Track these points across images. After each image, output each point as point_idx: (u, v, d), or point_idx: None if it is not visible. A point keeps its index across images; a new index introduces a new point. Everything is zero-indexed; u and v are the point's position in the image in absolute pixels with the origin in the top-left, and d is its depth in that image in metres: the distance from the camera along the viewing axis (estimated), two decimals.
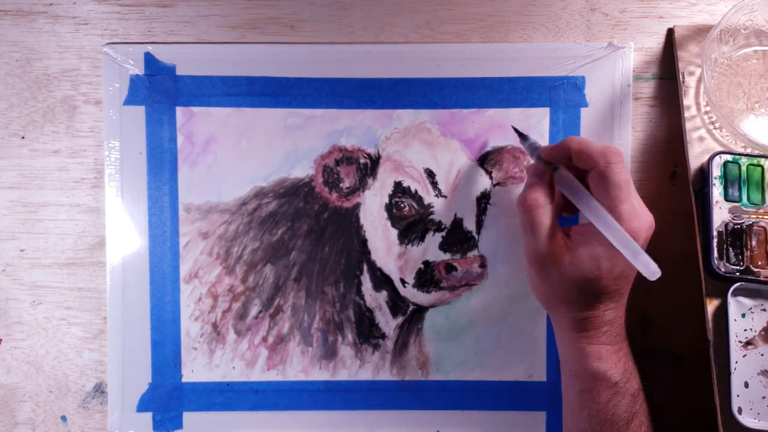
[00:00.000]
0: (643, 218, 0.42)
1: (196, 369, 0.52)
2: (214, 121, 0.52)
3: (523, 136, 0.49)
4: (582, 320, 0.44)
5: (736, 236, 0.48)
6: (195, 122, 0.52)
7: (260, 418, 0.53)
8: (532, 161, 0.49)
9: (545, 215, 0.43)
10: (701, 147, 0.50)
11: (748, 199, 0.48)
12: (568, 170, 0.45)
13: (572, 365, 0.45)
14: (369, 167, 0.52)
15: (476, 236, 0.52)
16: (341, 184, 0.52)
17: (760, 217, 0.48)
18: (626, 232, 0.40)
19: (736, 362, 0.47)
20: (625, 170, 0.42)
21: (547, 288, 0.44)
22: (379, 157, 0.52)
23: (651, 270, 0.39)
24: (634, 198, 0.42)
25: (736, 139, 0.50)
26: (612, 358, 0.44)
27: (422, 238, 0.52)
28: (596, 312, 0.43)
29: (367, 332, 0.52)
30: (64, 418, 0.53)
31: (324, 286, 0.52)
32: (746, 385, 0.47)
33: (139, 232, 0.52)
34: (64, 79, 0.53)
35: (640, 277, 0.52)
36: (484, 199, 0.52)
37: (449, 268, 0.52)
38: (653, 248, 0.52)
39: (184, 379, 0.52)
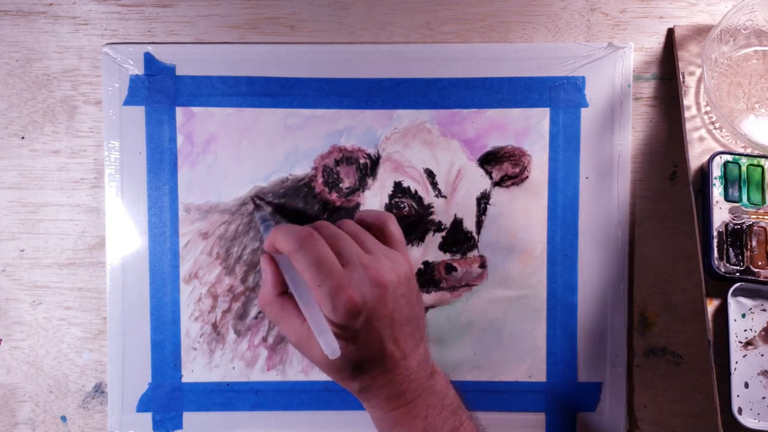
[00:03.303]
0: (350, 290, 0.38)
1: (196, 369, 0.52)
2: (214, 121, 0.52)
3: (257, 206, 0.50)
4: (361, 392, 0.42)
5: (736, 236, 0.48)
6: (195, 122, 0.52)
7: (260, 418, 0.53)
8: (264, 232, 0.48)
9: (273, 310, 0.41)
10: (701, 147, 0.50)
11: (748, 199, 0.48)
12: (268, 214, 0.45)
13: None
14: (369, 167, 0.52)
15: (476, 236, 0.52)
16: (341, 184, 0.52)
17: (760, 217, 0.48)
18: (338, 307, 0.38)
19: (736, 362, 0.47)
20: (308, 256, 0.39)
21: (319, 367, 0.42)
22: (379, 157, 0.52)
23: (331, 349, 0.38)
24: (327, 280, 0.39)
25: (736, 139, 0.50)
26: (404, 420, 0.41)
27: (422, 239, 0.52)
28: (366, 382, 0.41)
29: None
30: (64, 418, 0.53)
31: None
32: (746, 385, 0.47)
33: (139, 232, 0.52)
34: (64, 79, 0.53)
35: (636, 281, 0.52)
36: (484, 199, 0.52)
37: (449, 268, 0.52)
38: (654, 248, 0.52)
39: (184, 379, 0.52)
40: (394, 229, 0.44)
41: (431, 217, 0.52)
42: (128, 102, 0.52)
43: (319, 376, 0.52)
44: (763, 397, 0.47)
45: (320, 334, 0.38)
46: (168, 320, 0.52)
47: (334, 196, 0.52)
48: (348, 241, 0.41)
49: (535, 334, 0.52)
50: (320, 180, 0.52)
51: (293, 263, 0.40)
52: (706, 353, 0.48)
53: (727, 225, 0.48)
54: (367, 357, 0.40)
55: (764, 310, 0.48)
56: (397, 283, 0.41)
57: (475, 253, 0.52)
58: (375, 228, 0.44)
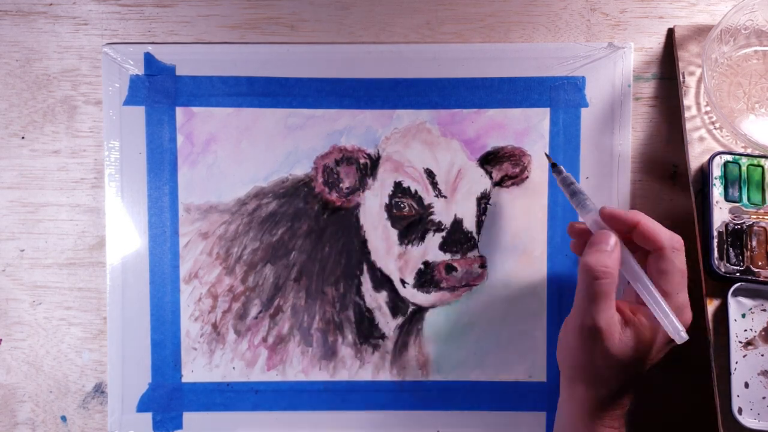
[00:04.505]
0: (686, 314, 0.42)
1: (196, 369, 0.52)
2: (214, 121, 0.52)
3: (556, 168, 0.47)
4: (603, 400, 0.42)
5: (737, 236, 0.48)
6: (195, 122, 0.52)
7: (260, 418, 0.53)
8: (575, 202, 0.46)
9: (612, 285, 0.41)
10: (701, 147, 0.50)
11: (749, 199, 0.48)
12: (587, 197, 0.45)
13: None
14: (369, 167, 0.52)
15: (476, 236, 0.52)
16: (341, 185, 0.52)
17: (761, 217, 0.48)
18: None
19: (736, 362, 0.47)
20: (684, 261, 0.42)
21: (584, 359, 0.42)
22: (379, 157, 0.52)
23: (679, 331, 0.40)
24: (685, 290, 0.42)
25: (737, 139, 0.50)
26: None
27: (422, 239, 0.52)
28: (619, 392, 0.42)
29: (367, 332, 0.52)
30: (64, 418, 0.53)
31: (324, 286, 0.52)
32: (746, 385, 0.47)
33: (139, 232, 0.52)
34: (64, 79, 0.53)
35: None
36: (484, 199, 0.52)
37: (449, 268, 0.52)
38: None
39: (184, 380, 0.52)
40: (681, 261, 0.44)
41: (431, 217, 0.52)
42: (128, 102, 0.52)
43: (319, 376, 0.52)
44: (764, 397, 0.47)
45: (666, 317, 0.40)
46: (168, 320, 0.52)
47: (334, 196, 0.52)
48: None
49: (535, 334, 0.52)
50: (320, 180, 0.52)
51: (665, 259, 0.41)
52: (706, 353, 0.48)
53: (727, 225, 0.48)
54: (643, 378, 0.43)
55: (764, 310, 0.48)
56: None
57: (475, 253, 0.52)
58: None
